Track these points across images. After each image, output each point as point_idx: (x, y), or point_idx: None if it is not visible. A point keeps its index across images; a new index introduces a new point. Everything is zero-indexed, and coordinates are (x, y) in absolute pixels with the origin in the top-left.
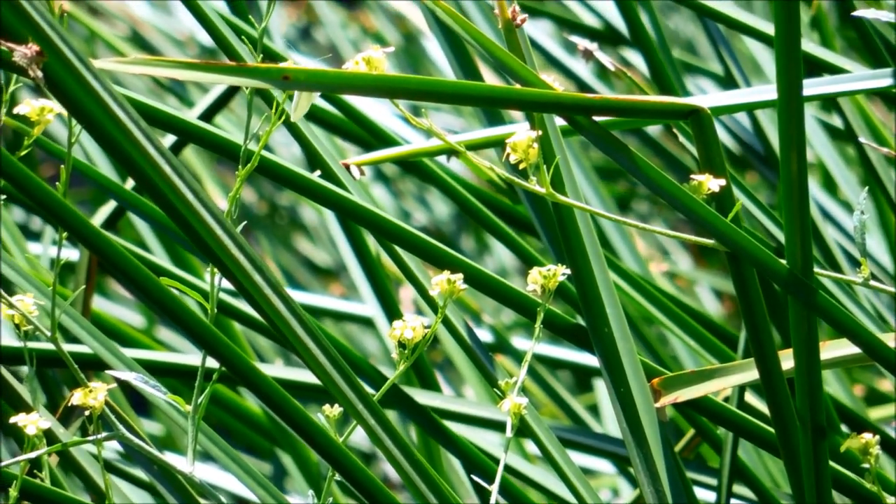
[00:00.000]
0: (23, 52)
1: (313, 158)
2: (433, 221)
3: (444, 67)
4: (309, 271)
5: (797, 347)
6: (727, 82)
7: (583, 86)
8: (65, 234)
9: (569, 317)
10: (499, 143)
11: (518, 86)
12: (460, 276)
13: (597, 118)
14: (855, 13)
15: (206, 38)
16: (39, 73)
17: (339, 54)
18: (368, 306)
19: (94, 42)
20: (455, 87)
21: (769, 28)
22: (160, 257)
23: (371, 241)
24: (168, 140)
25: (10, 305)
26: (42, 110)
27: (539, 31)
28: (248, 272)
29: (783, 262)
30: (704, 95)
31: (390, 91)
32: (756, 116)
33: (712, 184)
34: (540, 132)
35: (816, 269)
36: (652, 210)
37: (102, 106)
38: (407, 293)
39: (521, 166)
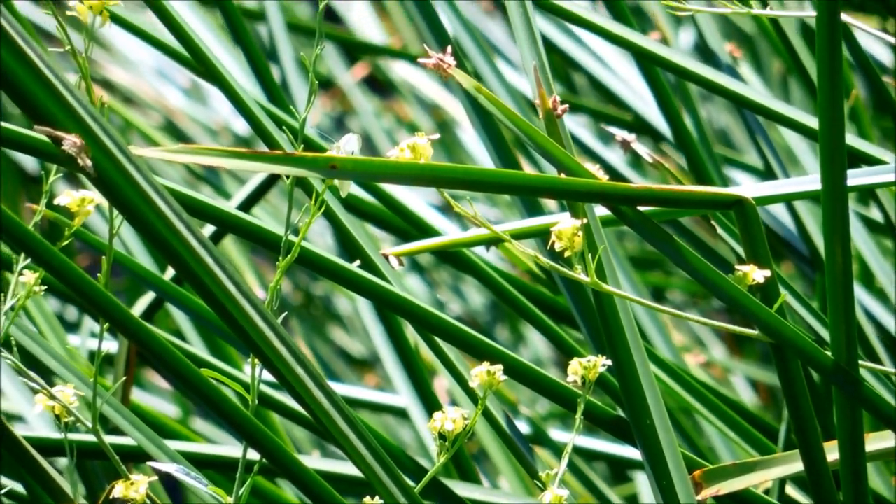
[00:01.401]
0: (72, 142)
1: (351, 247)
2: (468, 311)
3: (478, 157)
4: (344, 361)
5: (842, 439)
6: (764, 172)
7: (617, 175)
8: (106, 325)
9: (608, 408)
10: (539, 234)
11: (562, 175)
12: (499, 367)
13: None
14: None
15: (240, 127)
16: (89, 163)
17: (372, 143)
18: (403, 397)
19: (129, 131)
20: (502, 176)
21: (808, 119)
22: (199, 348)
23: (409, 331)
24: (207, 230)
25: (51, 396)
26: (82, 201)
27: (572, 122)
28: (289, 364)
29: (828, 353)
30: (745, 185)
31: (437, 180)
32: (794, 207)
33: (757, 274)
34: (585, 220)
35: (860, 361)
36: (686, 300)
37: (144, 197)
38: (441, 383)
39: (566, 254)
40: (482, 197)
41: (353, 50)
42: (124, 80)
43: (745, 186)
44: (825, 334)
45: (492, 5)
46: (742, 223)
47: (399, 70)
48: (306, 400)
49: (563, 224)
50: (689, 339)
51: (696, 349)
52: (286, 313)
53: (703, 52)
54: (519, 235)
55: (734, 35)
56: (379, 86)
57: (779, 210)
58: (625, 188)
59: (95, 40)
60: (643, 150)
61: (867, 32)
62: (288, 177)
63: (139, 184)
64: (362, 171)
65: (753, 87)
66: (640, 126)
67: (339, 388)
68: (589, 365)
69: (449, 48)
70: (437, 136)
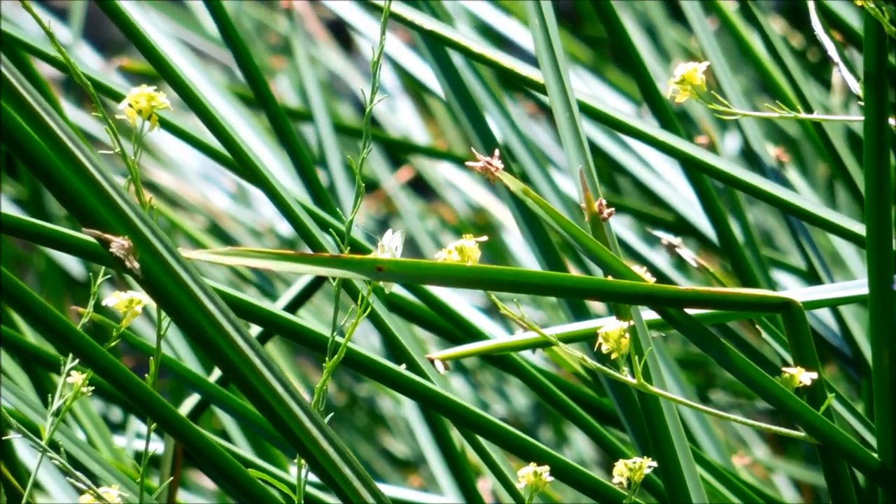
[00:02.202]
0: (119, 244)
1: (396, 350)
2: (512, 413)
3: (523, 259)
4: (387, 462)
5: None
6: (808, 274)
7: (662, 277)
8: (153, 426)
9: None
10: (585, 337)
11: (610, 277)
12: (546, 468)
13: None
14: None
15: (284, 230)
16: (136, 265)
17: (416, 245)
18: (449, 497)
19: (174, 233)
20: (551, 278)
21: (853, 225)
22: (244, 449)
23: (454, 433)
24: (253, 331)
25: (98, 497)
26: (130, 302)
27: (616, 223)
28: (336, 464)
29: (874, 455)
30: (791, 288)
31: (484, 282)
32: (838, 309)
33: (804, 377)
34: (631, 322)
35: None
36: (730, 401)
37: (192, 298)
38: (485, 485)
39: (613, 356)
40: (527, 299)
41: (398, 151)
42: (169, 182)
43: (793, 290)
44: (869, 437)
45: (536, 108)
46: (789, 326)
47: (444, 172)
48: (353, 501)
49: (610, 326)
50: (732, 439)
51: (740, 449)
52: (332, 414)
53: (749, 156)
54: (566, 339)
55: (778, 138)
56: (423, 188)
57: (822, 312)
58: (672, 290)
59: (142, 144)
60: (688, 254)
61: None
62: (334, 278)
63: (188, 285)
64: (409, 273)
65: (800, 192)
66: (684, 227)
67: (385, 489)
68: (634, 466)
69: (496, 151)
70: (485, 238)
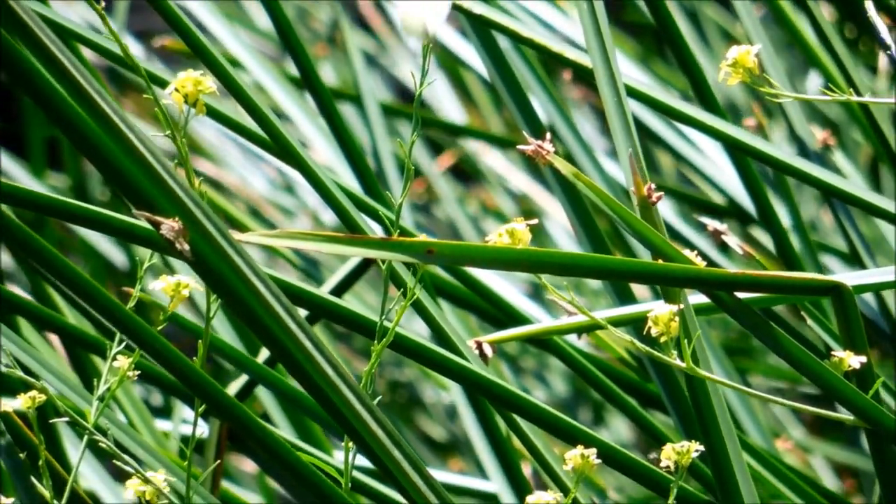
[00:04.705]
0: (170, 226)
1: (441, 334)
2: (551, 398)
3: (564, 245)
4: (427, 447)
5: None
6: (853, 259)
7: (707, 260)
8: (201, 409)
9: (700, 493)
10: (633, 321)
11: (660, 261)
12: (594, 450)
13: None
14: None
15: (328, 218)
16: (187, 247)
17: (456, 230)
18: (494, 482)
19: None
20: (602, 261)
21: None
22: (288, 433)
23: (499, 418)
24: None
25: (145, 480)
26: (178, 286)
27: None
28: (386, 447)
29: None
30: (840, 273)
31: (536, 265)
32: (881, 294)
33: (853, 360)
34: (681, 306)
35: None
36: (770, 386)
37: (245, 281)
38: (526, 470)
39: (662, 339)
40: (569, 285)
41: (442, 134)
42: (209, 170)
43: (841, 274)
44: None
45: (581, 93)
46: (839, 309)
47: (486, 160)
48: (403, 484)
49: (659, 310)
50: (772, 422)
51: (781, 432)
52: (380, 397)
53: (794, 139)
54: (613, 322)
55: (820, 121)
56: (464, 175)
57: (865, 294)
58: (723, 274)
59: (185, 130)
60: (734, 241)
61: None
62: (383, 262)
63: (240, 268)
64: (460, 255)
65: (847, 177)
66: (729, 208)
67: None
68: (682, 450)
69: (548, 135)
70: (535, 221)
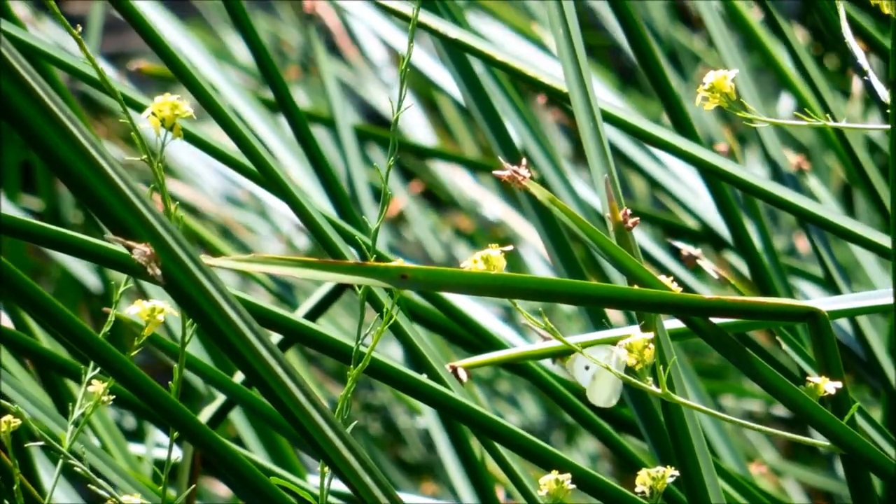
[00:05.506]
0: (142, 251)
1: (417, 359)
2: (524, 422)
3: (539, 273)
4: (401, 470)
5: None
6: (827, 285)
7: (681, 284)
8: (175, 435)
9: None
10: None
11: (636, 286)
12: (568, 476)
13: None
14: None
15: (302, 242)
16: (158, 272)
17: (427, 255)
18: None
19: (193, 241)
20: (577, 287)
21: (875, 236)
22: (261, 457)
23: (473, 442)
24: (273, 339)
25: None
26: (153, 311)
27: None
28: (358, 473)
29: None
30: (815, 299)
31: (510, 290)
32: (856, 320)
33: (828, 386)
34: (654, 333)
35: None
36: (743, 409)
37: (216, 307)
38: (499, 492)
39: (637, 367)
40: (542, 310)
41: (413, 158)
42: (185, 193)
43: (817, 300)
44: (885, 445)
45: (554, 116)
46: (814, 334)
47: (458, 183)
48: None
49: (634, 337)
50: (745, 444)
51: (753, 455)
52: (355, 422)
53: (768, 163)
54: (586, 347)
55: (792, 145)
56: (435, 201)
57: (840, 320)
58: (699, 300)
59: (156, 156)
60: (709, 265)
61: None
62: (357, 287)
63: (210, 293)
64: (434, 281)
65: (821, 202)
66: (703, 233)
67: (402, 497)
68: (657, 475)
69: (524, 160)
70: (510, 247)
